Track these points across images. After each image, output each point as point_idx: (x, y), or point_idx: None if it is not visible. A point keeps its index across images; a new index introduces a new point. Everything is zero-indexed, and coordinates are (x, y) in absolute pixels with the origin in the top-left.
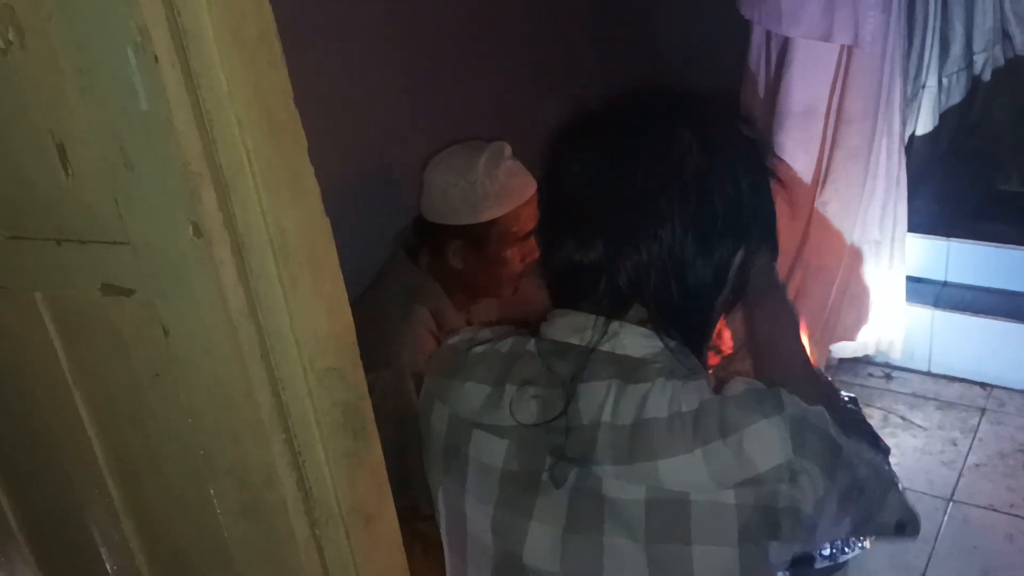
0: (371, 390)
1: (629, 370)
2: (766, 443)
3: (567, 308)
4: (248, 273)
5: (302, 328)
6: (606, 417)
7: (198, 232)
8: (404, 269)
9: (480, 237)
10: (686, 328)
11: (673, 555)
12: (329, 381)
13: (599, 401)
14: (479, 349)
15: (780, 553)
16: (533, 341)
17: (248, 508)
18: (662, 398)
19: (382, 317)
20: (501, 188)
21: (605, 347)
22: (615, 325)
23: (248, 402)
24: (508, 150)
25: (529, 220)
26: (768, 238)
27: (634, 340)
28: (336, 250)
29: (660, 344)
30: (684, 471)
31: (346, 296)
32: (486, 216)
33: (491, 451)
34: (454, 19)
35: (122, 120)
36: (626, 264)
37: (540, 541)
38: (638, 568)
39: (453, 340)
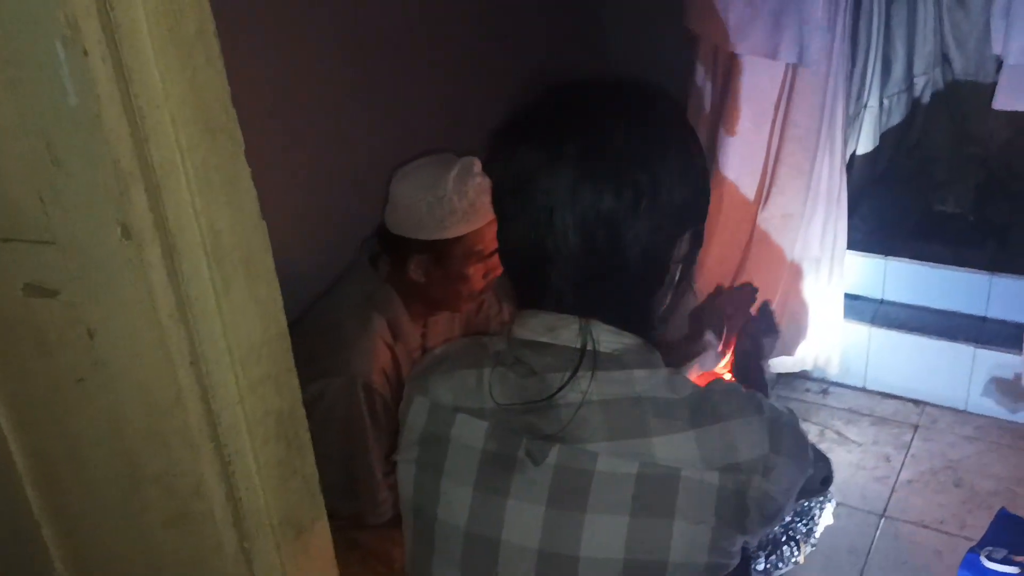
0: (320, 398)
1: (606, 362)
2: (748, 436)
3: (532, 308)
4: (179, 276)
5: (235, 334)
6: (593, 398)
7: (127, 233)
8: (364, 276)
9: (444, 253)
10: (632, 316)
11: (654, 529)
12: (262, 389)
13: (575, 386)
14: (456, 344)
15: (740, 541)
16: (503, 343)
17: (176, 518)
18: (650, 382)
19: (337, 323)
20: (469, 205)
21: (574, 344)
22: (586, 325)
23: (177, 408)
24: (478, 166)
25: (495, 239)
26: (701, 225)
27: (605, 337)
28: (272, 255)
29: (628, 340)
30: (679, 449)
31: (281, 301)
32: (452, 233)
33: (471, 432)
34: (407, 20)
35: (49, 114)
36: (573, 251)
37: (519, 518)
38: (617, 541)
39: (432, 352)
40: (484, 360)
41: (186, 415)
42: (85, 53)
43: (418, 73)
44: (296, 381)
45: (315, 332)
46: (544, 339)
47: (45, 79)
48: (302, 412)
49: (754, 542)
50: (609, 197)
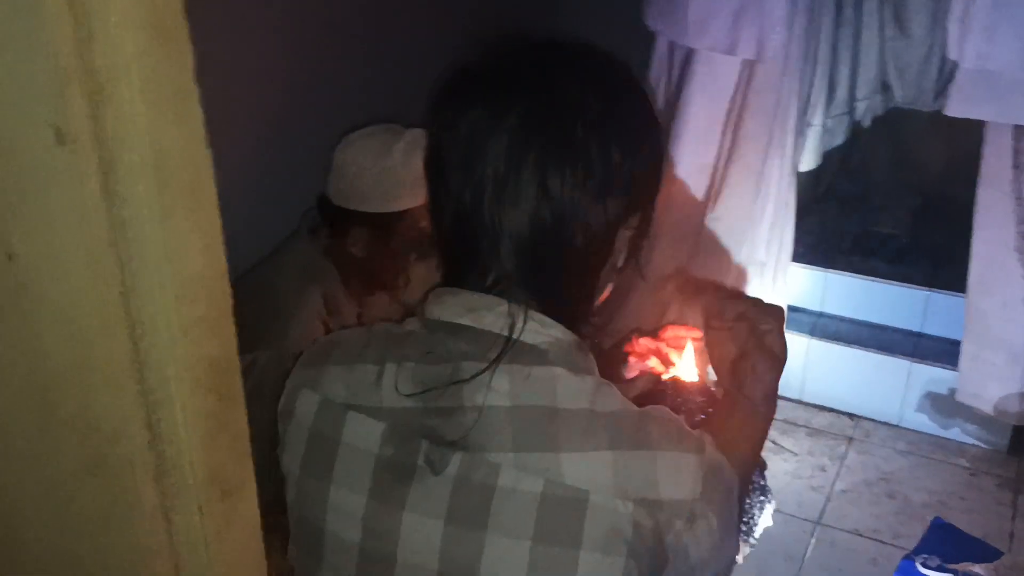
0: (248, 371)
1: (528, 356)
2: (677, 474)
3: (453, 287)
4: (115, 194)
5: (171, 266)
6: (502, 400)
7: (61, 138)
8: (303, 247)
9: (387, 227)
10: (566, 304)
11: (558, 559)
12: (196, 331)
13: (488, 383)
14: (354, 331)
15: None
16: (415, 321)
17: (90, 465)
18: (571, 390)
19: (271, 292)
20: (416, 179)
21: (496, 329)
22: (514, 309)
23: (101, 342)
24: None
25: None
26: (652, 206)
27: (532, 327)
28: (216, 188)
29: (558, 334)
30: (589, 469)
31: (222, 239)
32: (397, 206)
33: (365, 434)
34: None
35: None
36: (513, 221)
37: (416, 533)
38: (517, 569)
39: (324, 338)
40: (389, 353)
41: (111, 350)
42: None
43: (368, 36)
44: (233, 329)
45: (248, 299)
46: (463, 321)
47: None
48: (237, 363)
49: None
50: (554, 168)
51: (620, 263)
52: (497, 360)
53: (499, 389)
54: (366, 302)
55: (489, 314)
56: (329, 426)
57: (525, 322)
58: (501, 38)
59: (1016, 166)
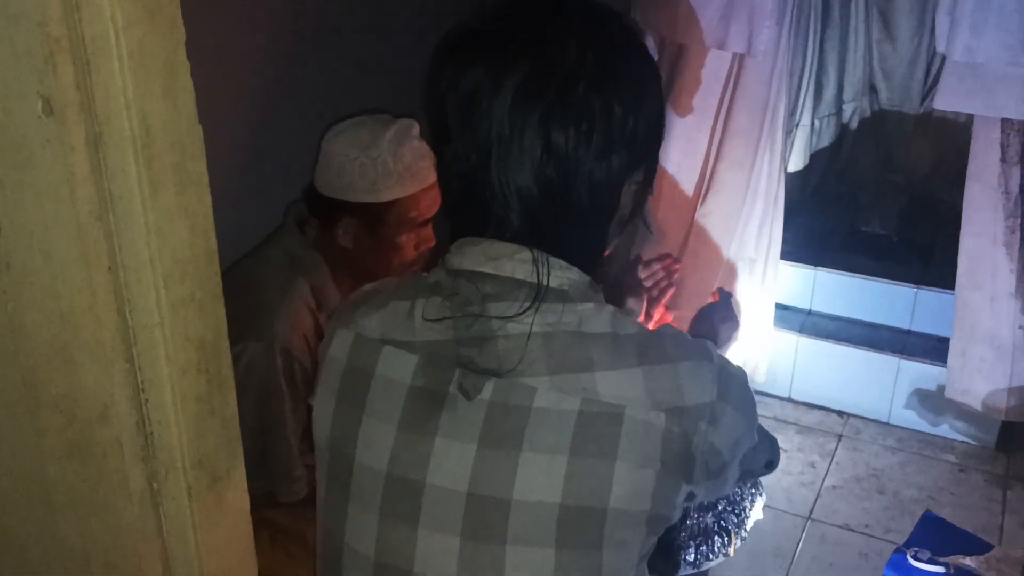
0: (236, 361)
1: (551, 296)
2: (697, 380)
3: (471, 236)
4: (103, 168)
5: (160, 244)
6: (537, 327)
7: (48, 109)
8: (290, 239)
9: (375, 218)
10: (578, 250)
11: (594, 470)
12: (185, 311)
13: (517, 316)
14: (386, 280)
15: (686, 494)
16: (440, 271)
17: (77, 448)
18: (595, 319)
19: (259, 285)
20: (405, 169)
21: (520, 276)
22: (536, 255)
23: (89, 319)
24: (416, 129)
25: (429, 207)
26: (655, 159)
27: (553, 271)
28: (206, 164)
29: (575, 276)
30: (625, 385)
31: (212, 219)
32: (385, 196)
33: (400, 366)
34: None
35: None
36: (519, 179)
37: (447, 458)
38: (554, 483)
39: (359, 290)
40: (419, 292)
41: (99, 328)
42: None
43: (357, 27)
44: (223, 310)
45: (235, 292)
46: (485, 269)
47: None
48: (227, 345)
49: (699, 498)
50: (557, 126)
51: (626, 216)
52: (538, 295)
53: (529, 322)
54: None
55: (510, 262)
56: (364, 360)
57: (548, 268)
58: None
59: (1003, 160)
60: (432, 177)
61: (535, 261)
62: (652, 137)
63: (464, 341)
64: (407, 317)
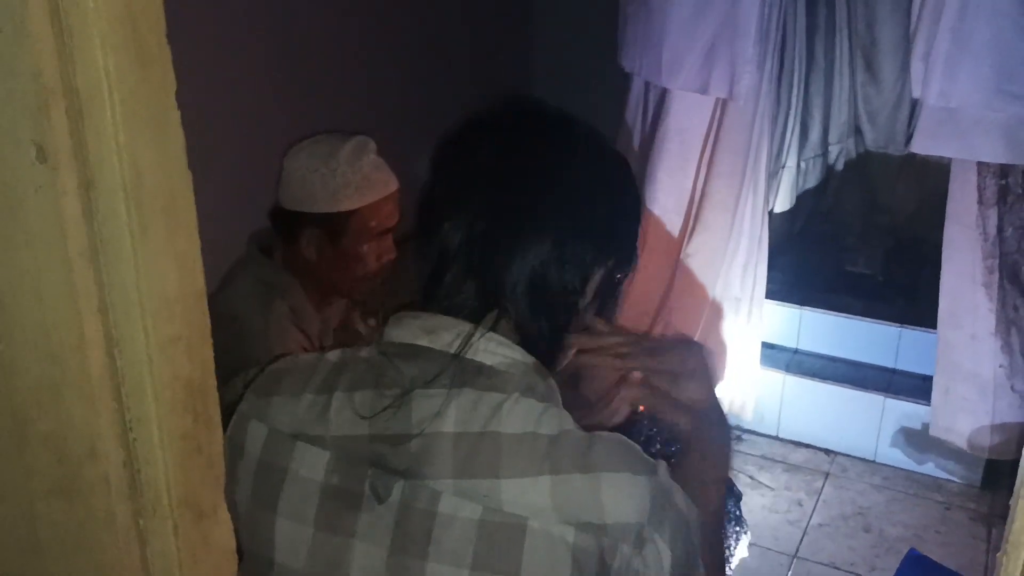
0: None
1: (482, 379)
2: (624, 496)
3: (416, 311)
4: (94, 212)
5: (148, 285)
6: (448, 427)
7: (42, 155)
8: (258, 266)
9: (337, 227)
10: (541, 335)
11: None
12: (173, 351)
13: (437, 409)
14: (304, 358)
15: None
16: (372, 347)
17: (64, 486)
18: (517, 413)
19: (236, 315)
20: (363, 179)
21: (451, 349)
22: (472, 329)
23: (77, 358)
24: (373, 145)
25: (388, 217)
26: (631, 252)
27: (490, 347)
28: (195, 208)
29: (517, 356)
30: (529, 494)
31: (200, 260)
32: (345, 205)
33: (312, 463)
34: (325, 20)
35: None
36: (494, 258)
37: (366, 562)
38: None
39: (274, 365)
40: (338, 379)
41: (88, 366)
42: None
43: (342, 73)
44: (210, 349)
45: (217, 329)
46: (420, 342)
47: None
48: (214, 384)
49: None
50: (545, 235)
51: (592, 301)
52: (450, 368)
53: (447, 415)
54: (325, 312)
55: (446, 334)
56: (277, 457)
57: (478, 340)
58: (508, 100)
59: (980, 202)
60: (389, 188)
61: (468, 335)
62: (629, 236)
63: (378, 439)
64: (322, 412)
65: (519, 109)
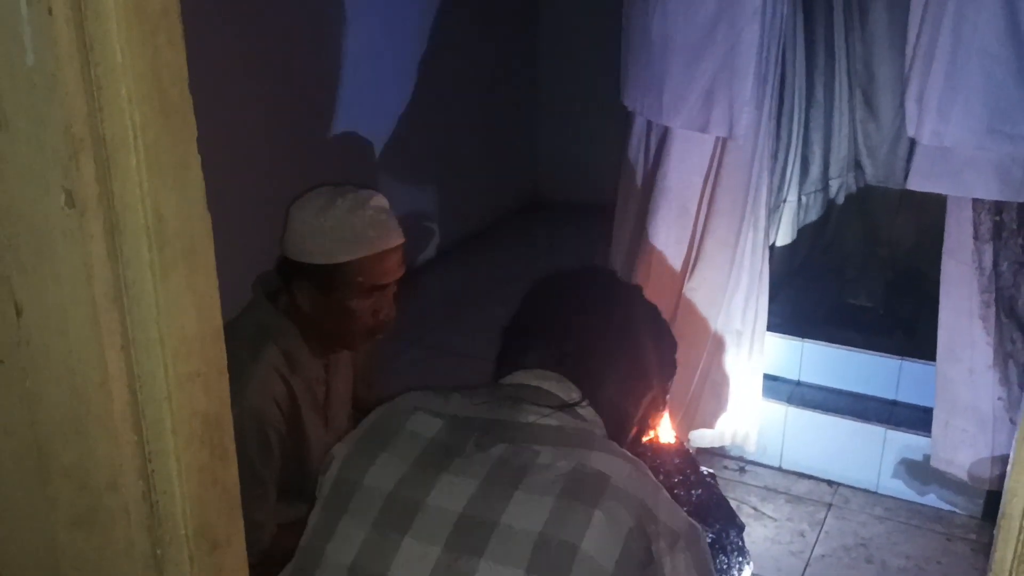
0: None
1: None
2: (673, 510)
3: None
4: (119, 255)
5: (169, 323)
6: (551, 422)
7: (71, 201)
8: (261, 310)
9: (326, 279)
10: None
11: (575, 512)
12: (191, 387)
13: (545, 412)
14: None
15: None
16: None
17: (85, 517)
18: (611, 446)
19: (230, 355)
20: (354, 235)
21: (559, 392)
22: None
23: (101, 394)
24: (376, 200)
25: (381, 274)
26: (668, 383)
27: (585, 409)
28: (214, 250)
29: (594, 417)
30: (613, 465)
31: (219, 299)
32: (333, 259)
33: (426, 425)
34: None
35: (4, 71)
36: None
37: (450, 488)
38: (538, 517)
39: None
40: (454, 393)
41: (110, 402)
42: (49, 12)
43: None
44: (227, 386)
45: None
46: (531, 383)
47: (5, 34)
48: (229, 419)
49: None
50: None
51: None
52: (559, 408)
53: (551, 419)
54: (332, 360)
55: (556, 383)
56: (396, 420)
57: (583, 398)
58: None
59: (976, 237)
60: (386, 244)
61: (573, 388)
62: (666, 371)
63: (488, 421)
64: (442, 399)
65: (590, 273)
